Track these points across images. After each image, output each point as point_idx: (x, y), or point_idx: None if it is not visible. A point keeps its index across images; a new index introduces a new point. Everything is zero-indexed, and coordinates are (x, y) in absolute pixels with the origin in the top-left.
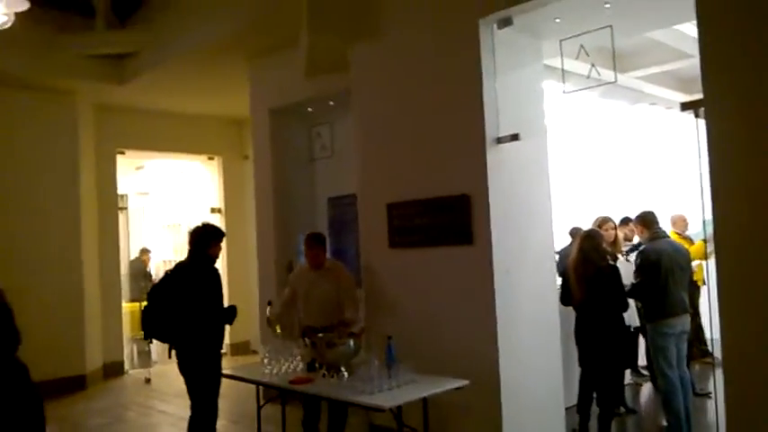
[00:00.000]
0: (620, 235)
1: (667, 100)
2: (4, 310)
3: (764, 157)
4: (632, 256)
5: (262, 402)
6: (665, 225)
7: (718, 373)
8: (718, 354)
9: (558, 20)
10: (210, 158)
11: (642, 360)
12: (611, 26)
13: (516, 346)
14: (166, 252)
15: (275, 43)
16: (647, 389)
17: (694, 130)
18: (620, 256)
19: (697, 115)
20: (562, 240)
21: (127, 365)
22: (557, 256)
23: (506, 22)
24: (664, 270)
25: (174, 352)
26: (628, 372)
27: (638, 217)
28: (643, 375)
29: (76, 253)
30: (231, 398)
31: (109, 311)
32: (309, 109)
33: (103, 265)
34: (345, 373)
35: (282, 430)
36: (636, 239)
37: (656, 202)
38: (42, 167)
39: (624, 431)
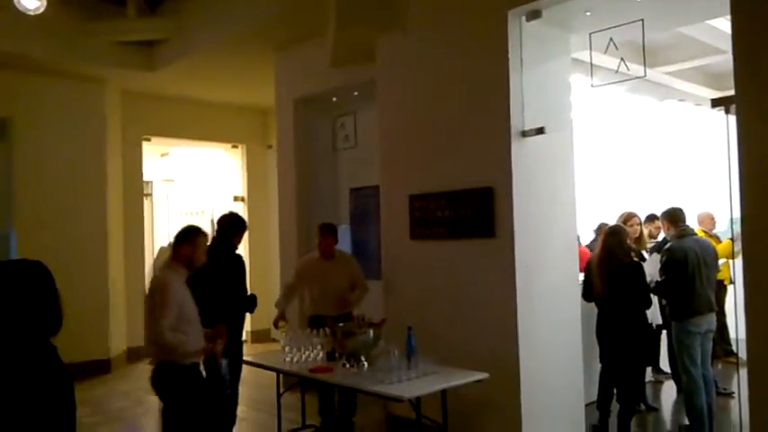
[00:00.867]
0: (645, 232)
1: (696, 96)
2: (52, 294)
3: None
4: (653, 255)
5: (282, 390)
6: (692, 223)
7: (743, 372)
8: (742, 353)
9: (588, 13)
10: (235, 147)
11: (664, 357)
12: (642, 20)
13: (537, 341)
14: None
15: (302, 33)
16: (668, 386)
17: (724, 127)
18: (644, 252)
19: (728, 111)
20: (586, 236)
21: None
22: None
23: (535, 15)
24: (690, 268)
25: None
26: (649, 369)
27: (664, 213)
28: (664, 373)
29: (103, 238)
30: (252, 384)
31: (133, 297)
32: (334, 99)
33: (128, 251)
34: (365, 363)
35: (302, 418)
36: (661, 236)
37: (684, 200)
38: (70, 153)
39: (644, 428)
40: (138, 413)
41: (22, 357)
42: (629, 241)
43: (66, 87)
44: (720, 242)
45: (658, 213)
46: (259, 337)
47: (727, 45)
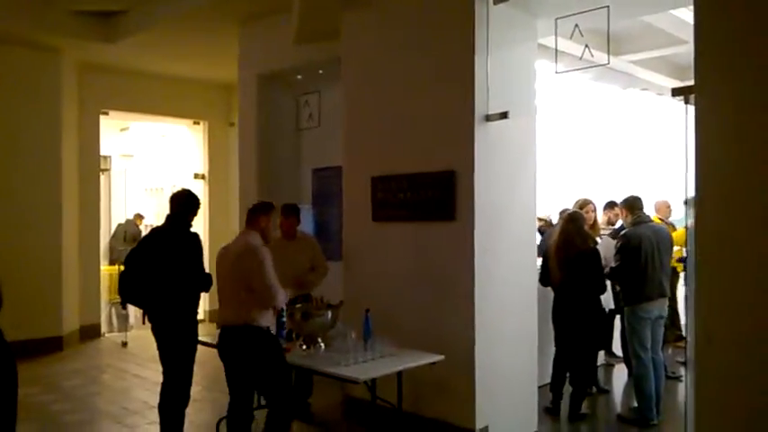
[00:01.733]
0: (604, 218)
1: (659, 86)
2: None
3: (751, 145)
4: (606, 239)
5: None
6: (650, 211)
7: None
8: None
9: None
10: (196, 123)
11: (617, 341)
12: (608, 7)
13: (493, 324)
14: (148, 216)
15: (266, 8)
16: (619, 370)
17: (683, 117)
18: (597, 238)
19: (687, 102)
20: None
21: (104, 328)
22: (539, 237)
23: None
24: (644, 254)
25: (148, 317)
26: (601, 353)
27: (623, 201)
28: (616, 357)
29: (56, 213)
30: (208, 365)
31: (87, 274)
32: (298, 76)
33: (84, 227)
34: (322, 345)
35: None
36: (619, 223)
37: (643, 187)
38: (23, 125)
39: (595, 410)
40: (92, 391)
41: None
42: (585, 227)
43: (19, 57)
44: (676, 230)
45: (618, 200)
46: (216, 316)
47: (690, 35)
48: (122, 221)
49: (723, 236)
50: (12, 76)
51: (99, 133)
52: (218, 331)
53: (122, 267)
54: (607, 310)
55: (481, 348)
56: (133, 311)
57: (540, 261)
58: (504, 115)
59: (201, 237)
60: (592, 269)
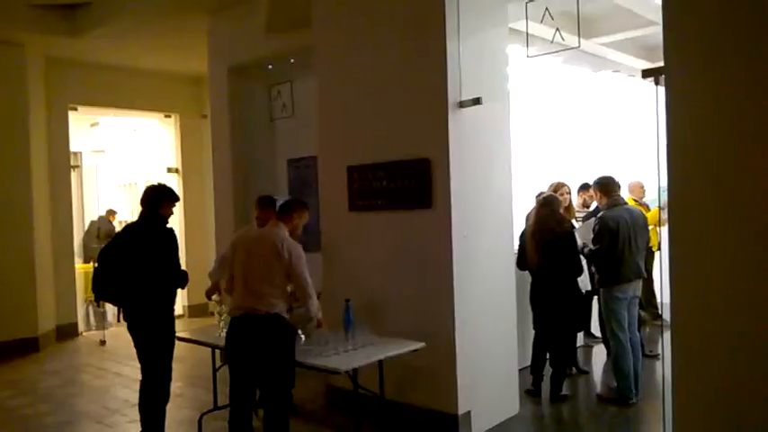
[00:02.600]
0: (579, 201)
1: (630, 68)
2: None
3: (721, 126)
4: (586, 222)
5: (218, 365)
6: (624, 192)
7: (667, 335)
8: (667, 317)
9: None
10: (167, 116)
11: (595, 323)
12: None
13: (472, 309)
14: (122, 212)
15: None
16: (598, 351)
17: (654, 98)
18: (573, 222)
19: (657, 83)
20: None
21: (81, 327)
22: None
23: None
24: (621, 237)
25: (123, 314)
26: (580, 334)
27: (597, 183)
28: (595, 338)
29: (27, 211)
30: (188, 360)
31: (61, 273)
32: (270, 67)
33: (56, 225)
34: (302, 336)
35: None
36: (594, 205)
37: (616, 169)
38: None
39: (575, 391)
40: (70, 392)
41: None
42: (561, 210)
43: None
44: (650, 210)
45: (591, 182)
46: (196, 311)
47: (659, 17)
48: (95, 218)
49: (696, 216)
50: None
51: (68, 129)
52: (231, 319)
53: (96, 265)
54: (584, 291)
55: (461, 334)
56: (111, 309)
57: (517, 245)
58: (477, 101)
59: (177, 231)
60: (568, 252)
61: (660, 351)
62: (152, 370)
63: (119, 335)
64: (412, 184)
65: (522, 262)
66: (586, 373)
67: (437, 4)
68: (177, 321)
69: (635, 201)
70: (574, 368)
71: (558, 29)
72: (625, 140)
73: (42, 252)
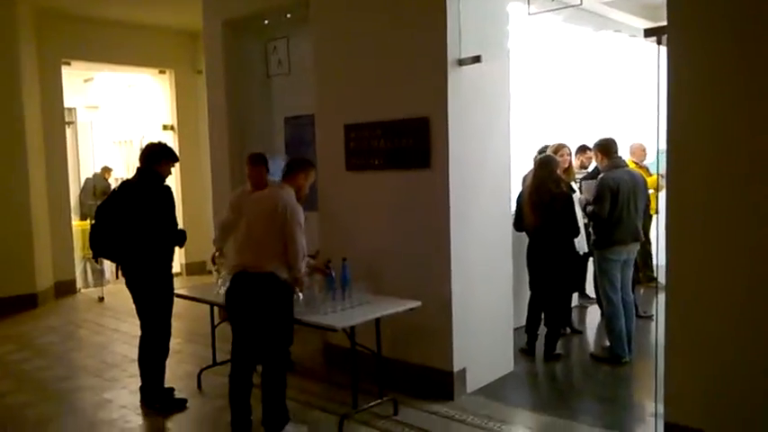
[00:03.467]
0: (577, 162)
1: (632, 27)
2: None
3: (723, 88)
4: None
5: (216, 322)
6: (624, 153)
7: (661, 297)
8: (662, 279)
9: None
10: (162, 72)
11: (590, 284)
12: None
13: (469, 269)
14: (118, 169)
15: None
16: (592, 311)
17: (656, 58)
18: (572, 184)
19: (659, 42)
20: (519, 167)
21: (80, 284)
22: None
23: None
24: (621, 199)
25: (121, 271)
26: (575, 295)
27: (597, 144)
28: (590, 298)
29: (22, 169)
30: (187, 318)
31: (59, 230)
32: (266, 21)
33: (51, 182)
34: (300, 294)
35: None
36: (592, 166)
37: (616, 131)
38: None
39: (569, 350)
40: (68, 347)
41: None
42: (559, 171)
43: None
44: (650, 173)
45: (590, 144)
46: (194, 269)
47: None
48: (90, 175)
49: (694, 179)
50: None
51: (62, 85)
52: (231, 276)
53: (93, 221)
54: (581, 252)
55: (457, 293)
56: (108, 266)
57: (514, 206)
58: (476, 59)
59: (174, 188)
60: (565, 213)
61: (654, 312)
62: (151, 325)
63: (117, 292)
64: (410, 143)
65: (519, 223)
66: (580, 333)
67: None
68: (175, 279)
69: (635, 163)
70: (568, 328)
71: None
72: (625, 102)
73: (39, 209)
